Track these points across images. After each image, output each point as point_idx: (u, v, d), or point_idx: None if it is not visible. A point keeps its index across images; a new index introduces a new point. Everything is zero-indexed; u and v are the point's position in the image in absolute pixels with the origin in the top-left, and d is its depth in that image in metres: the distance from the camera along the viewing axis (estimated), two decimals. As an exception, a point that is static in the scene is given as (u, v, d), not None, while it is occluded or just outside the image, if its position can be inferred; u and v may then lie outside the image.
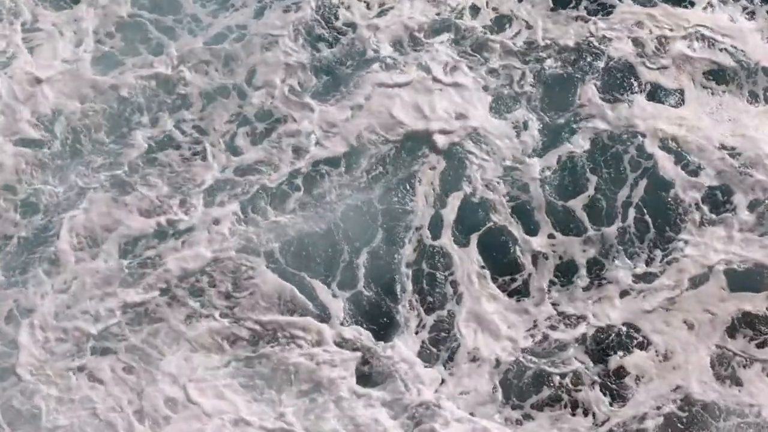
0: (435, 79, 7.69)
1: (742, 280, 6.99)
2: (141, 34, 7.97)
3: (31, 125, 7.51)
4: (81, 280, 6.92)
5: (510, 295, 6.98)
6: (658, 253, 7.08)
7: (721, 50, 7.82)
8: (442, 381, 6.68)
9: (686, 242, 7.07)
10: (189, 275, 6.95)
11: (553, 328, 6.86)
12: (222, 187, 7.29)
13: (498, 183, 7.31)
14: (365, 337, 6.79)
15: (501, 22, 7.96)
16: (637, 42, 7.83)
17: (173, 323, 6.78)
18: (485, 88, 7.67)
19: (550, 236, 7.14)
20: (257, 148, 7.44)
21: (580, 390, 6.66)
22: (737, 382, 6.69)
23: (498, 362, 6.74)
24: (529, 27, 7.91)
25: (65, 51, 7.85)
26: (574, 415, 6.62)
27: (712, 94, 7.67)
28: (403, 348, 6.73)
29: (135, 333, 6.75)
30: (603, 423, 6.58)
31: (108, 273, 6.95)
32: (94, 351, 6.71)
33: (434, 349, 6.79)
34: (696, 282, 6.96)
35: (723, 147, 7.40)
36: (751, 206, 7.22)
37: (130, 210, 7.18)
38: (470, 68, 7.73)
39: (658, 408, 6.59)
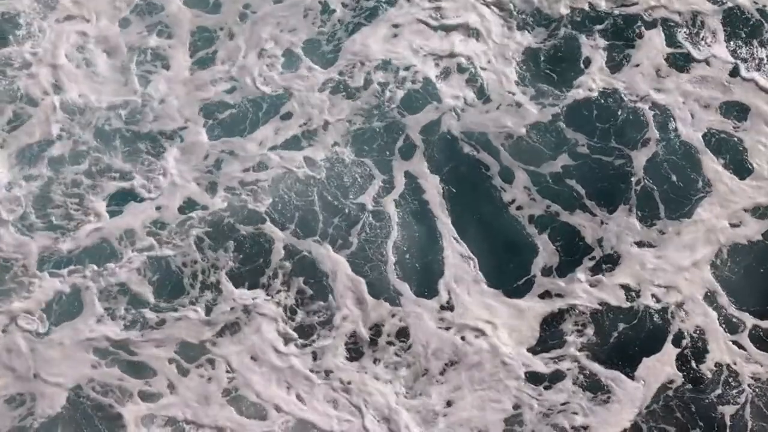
0: (437, 27, 7.89)
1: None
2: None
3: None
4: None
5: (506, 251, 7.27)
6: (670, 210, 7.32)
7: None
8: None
9: (701, 199, 7.30)
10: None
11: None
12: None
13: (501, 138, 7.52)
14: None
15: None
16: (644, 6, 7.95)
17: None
18: (493, 43, 7.82)
19: (535, 199, 7.35)
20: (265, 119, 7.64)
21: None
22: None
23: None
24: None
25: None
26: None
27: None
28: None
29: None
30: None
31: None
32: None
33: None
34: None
35: (723, 108, 7.60)
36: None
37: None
38: (479, 23, 7.89)
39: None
